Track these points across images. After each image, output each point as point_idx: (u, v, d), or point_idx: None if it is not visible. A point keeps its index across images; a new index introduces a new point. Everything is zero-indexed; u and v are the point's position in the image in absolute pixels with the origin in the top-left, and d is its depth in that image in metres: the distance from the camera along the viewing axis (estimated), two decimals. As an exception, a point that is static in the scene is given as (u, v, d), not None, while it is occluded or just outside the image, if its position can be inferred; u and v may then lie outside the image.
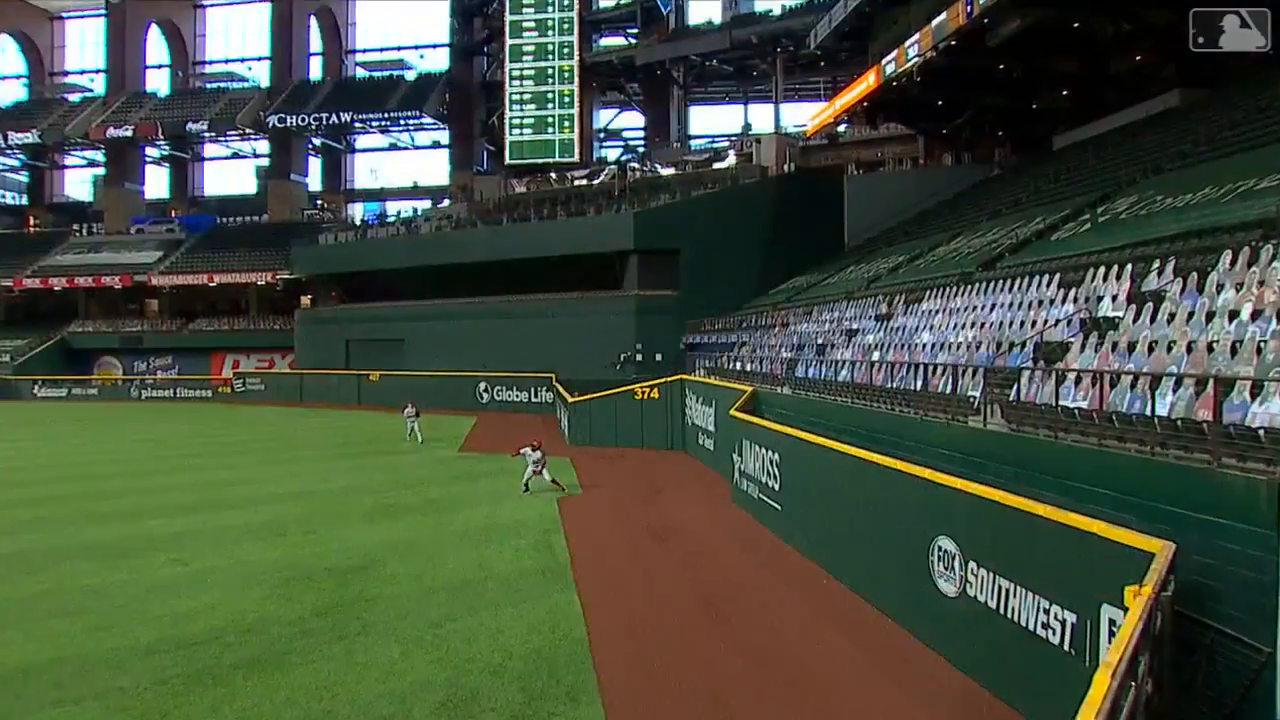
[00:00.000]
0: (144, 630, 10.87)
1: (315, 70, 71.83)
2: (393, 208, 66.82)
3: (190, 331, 62.53)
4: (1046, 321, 14.24)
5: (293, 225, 64.53)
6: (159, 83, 74.11)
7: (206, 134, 69.41)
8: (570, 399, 31.44)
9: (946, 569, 9.50)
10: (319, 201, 70.88)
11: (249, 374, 57.62)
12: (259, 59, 72.85)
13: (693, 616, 11.47)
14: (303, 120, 65.31)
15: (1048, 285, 16.13)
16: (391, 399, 43.88)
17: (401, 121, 67.53)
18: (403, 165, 73.27)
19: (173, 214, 69.97)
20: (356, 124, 67.02)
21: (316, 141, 71.07)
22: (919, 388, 14.25)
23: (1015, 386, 11.54)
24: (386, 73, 69.17)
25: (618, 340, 42.05)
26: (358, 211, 69.83)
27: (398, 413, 32.01)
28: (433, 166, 70.93)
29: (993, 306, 17.24)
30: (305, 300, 58.31)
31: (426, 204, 63.73)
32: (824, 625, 11.02)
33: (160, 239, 66.11)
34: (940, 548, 9.63)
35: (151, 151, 72.55)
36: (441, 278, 47.94)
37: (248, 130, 68.48)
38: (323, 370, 52.05)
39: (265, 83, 70.66)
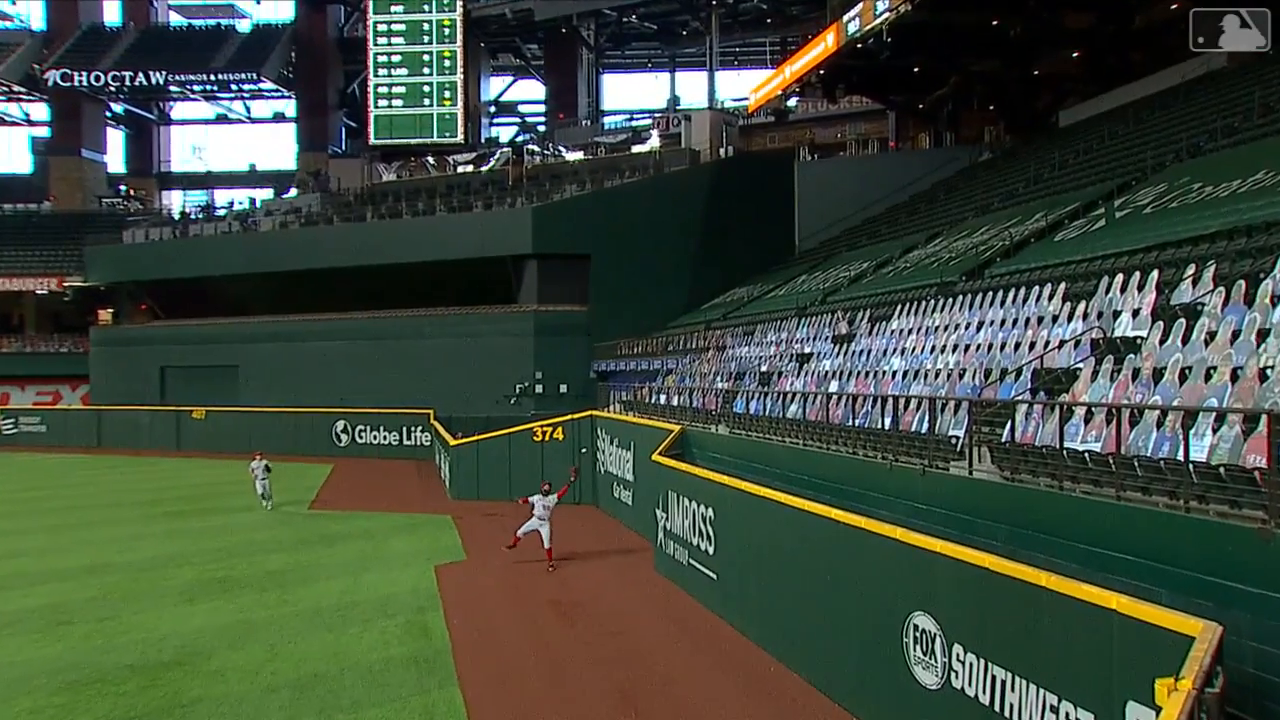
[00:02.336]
0: None
1: (112, 13, 69.97)
2: (222, 197, 65.51)
3: (-61, 355, 59.80)
4: (1048, 343, 14.49)
5: (87, 216, 62.67)
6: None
7: (-47, 90, 66.40)
8: (452, 441, 31.07)
9: (925, 654, 9.53)
10: (123, 187, 69.05)
11: (24, 411, 55.47)
12: (29, -9, 70.09)
13: (608, 717, 11.30)
14: (97, 79, 62.92)
15: (1050, 298, 16.51)
16: (222, 443, 43.10)
17: (233, 86, 66.27)
18: (236, 143, 72.35)
19: (-94, 197, 66.79)
20: (172, 87, 65.29)
21: (117, 108, 69.19)
22: (888, 426, 14.41)
23: (1009, 424, 11.70)
24: (211, 21, 68.15)
25: (512, 367, 41.81)
26: (176, 201, 68.39)
27: (246, 463, 30.38)
28: (275, 146, 70.17)
29: (980, 325, 17.62)
30: (104, 315, 56.51)
31: (268, 194, 62.83)
32: (773, 725, 10.93)
33: (-111, 230, 62.86)
34: (917, 627, 9.67)
35: None
36: (287, 288, 47.09)
37: (17, 88, 65.96)
38: (129, 406, 50.40)
39: (40, 24, 68.24)
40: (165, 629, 15.19)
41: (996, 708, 8.42)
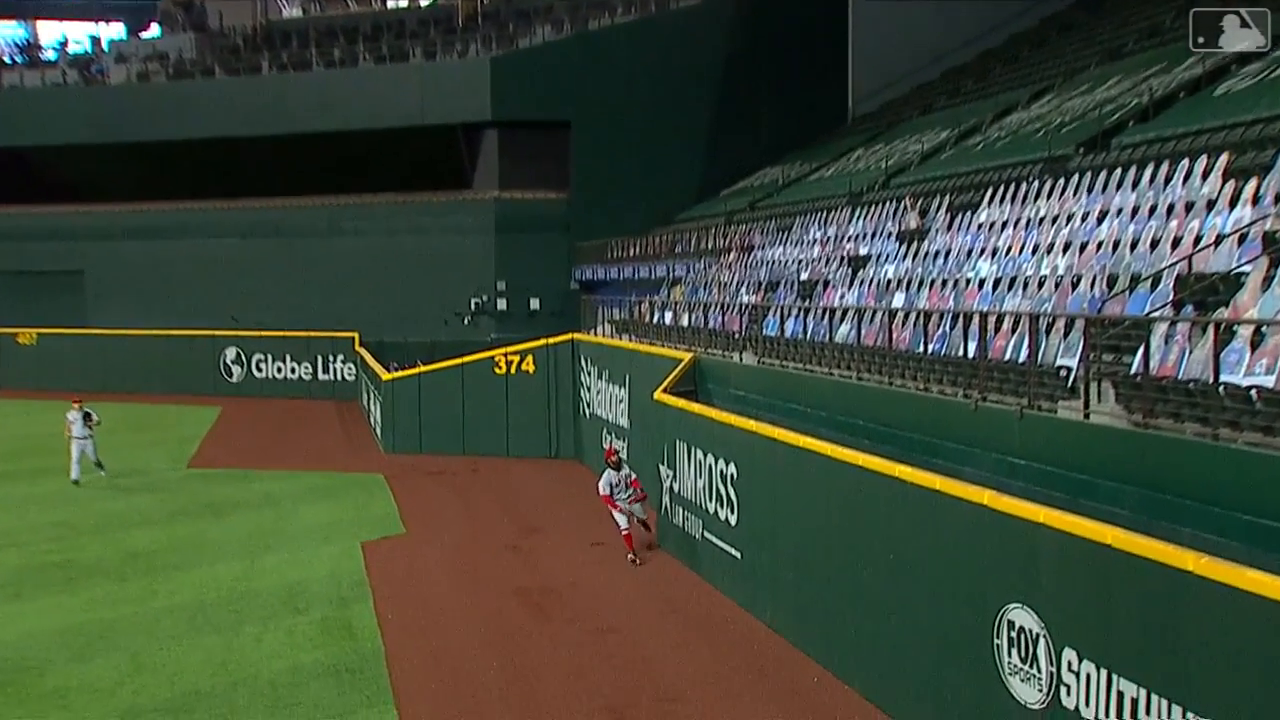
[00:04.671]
0: None
1: None
2: (50, 33, 64.63)
3: None
4: (1201, 238, 14.25)
5: None
6: None
7: None
8: (385, 375, 31.11)
9: (1024, 661, 9.58)
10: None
11: None
12: None
13: (595, 746, 11.45)
14: None
15: (1205, 176, 16.16)
16: (61, 378, 42.77)
17: None
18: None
19: None
20: None
21: None
22: (972, 353, 14.34)
23: (1141, 350, 11.60)
24: None
25: (465, 275, 41.90)
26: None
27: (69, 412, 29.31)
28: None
29: (1103, 215, 17.40)
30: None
31: (118, 32, 62.26)
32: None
33: None
34: (1013, 625, 9.72)
35: None
36: (152, 166, 46.84)
37: None
38: (-74, 329, 50.30)
39: None
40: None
41: (1125, 736, 8.39)
